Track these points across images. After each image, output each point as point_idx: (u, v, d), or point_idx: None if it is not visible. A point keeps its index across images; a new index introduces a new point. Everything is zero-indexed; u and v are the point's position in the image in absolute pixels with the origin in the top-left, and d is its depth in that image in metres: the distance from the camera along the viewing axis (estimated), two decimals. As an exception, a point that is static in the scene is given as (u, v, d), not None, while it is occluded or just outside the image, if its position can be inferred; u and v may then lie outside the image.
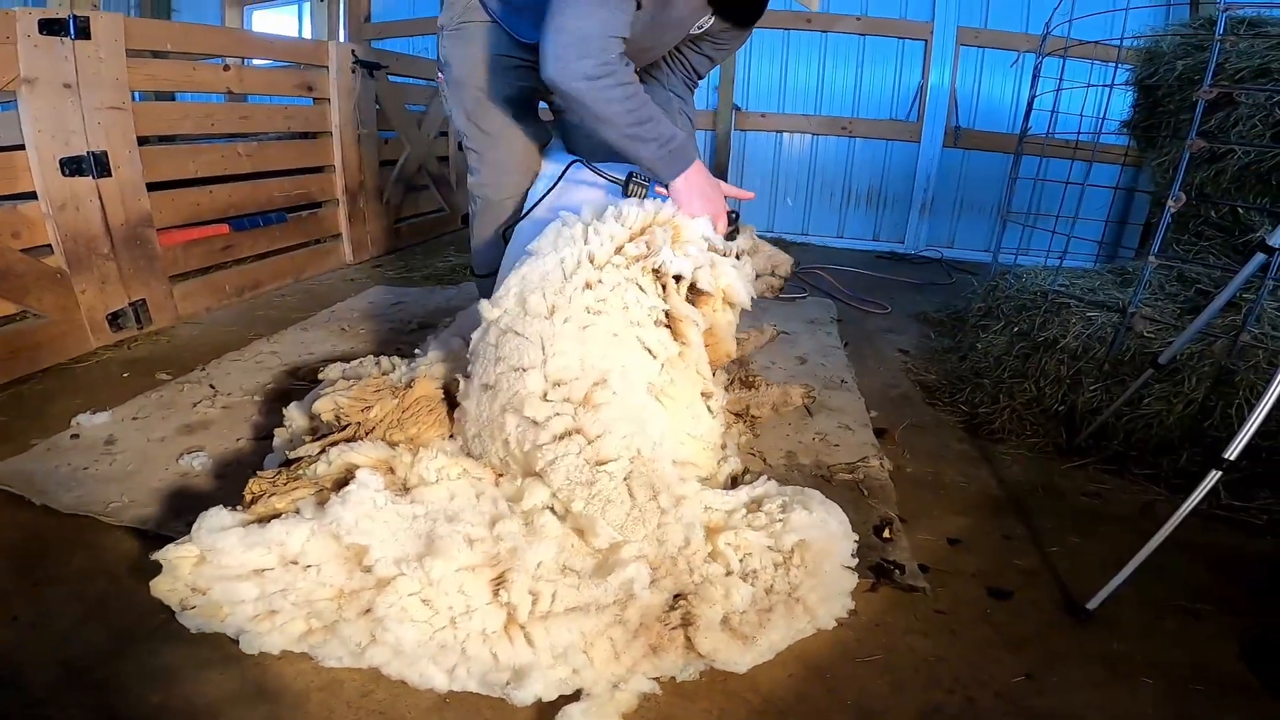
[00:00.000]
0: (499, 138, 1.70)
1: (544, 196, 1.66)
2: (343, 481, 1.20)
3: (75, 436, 1.66)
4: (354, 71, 3.36)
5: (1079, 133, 2.48)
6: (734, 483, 1.49)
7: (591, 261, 1.29)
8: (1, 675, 1.02)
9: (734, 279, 1.39)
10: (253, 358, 2.20)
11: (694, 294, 1.37)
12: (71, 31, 2.06)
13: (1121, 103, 2.81)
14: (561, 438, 1.19)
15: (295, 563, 1.08)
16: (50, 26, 2.01)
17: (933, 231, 4.73)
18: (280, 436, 1.54)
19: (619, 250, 1.32)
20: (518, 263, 1.37)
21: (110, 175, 2.23)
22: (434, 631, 1.03)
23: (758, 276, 1.72)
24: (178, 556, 1.08)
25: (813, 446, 1.80)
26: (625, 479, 1.17)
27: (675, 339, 1.34)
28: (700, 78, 1.86)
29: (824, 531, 1.21)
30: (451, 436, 1.39)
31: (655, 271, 1.32)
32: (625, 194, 1.51)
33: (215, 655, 1.06)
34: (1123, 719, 1.06)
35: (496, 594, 1.06)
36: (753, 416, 1.85)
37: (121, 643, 1.09)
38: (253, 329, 2.51)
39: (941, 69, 4.45)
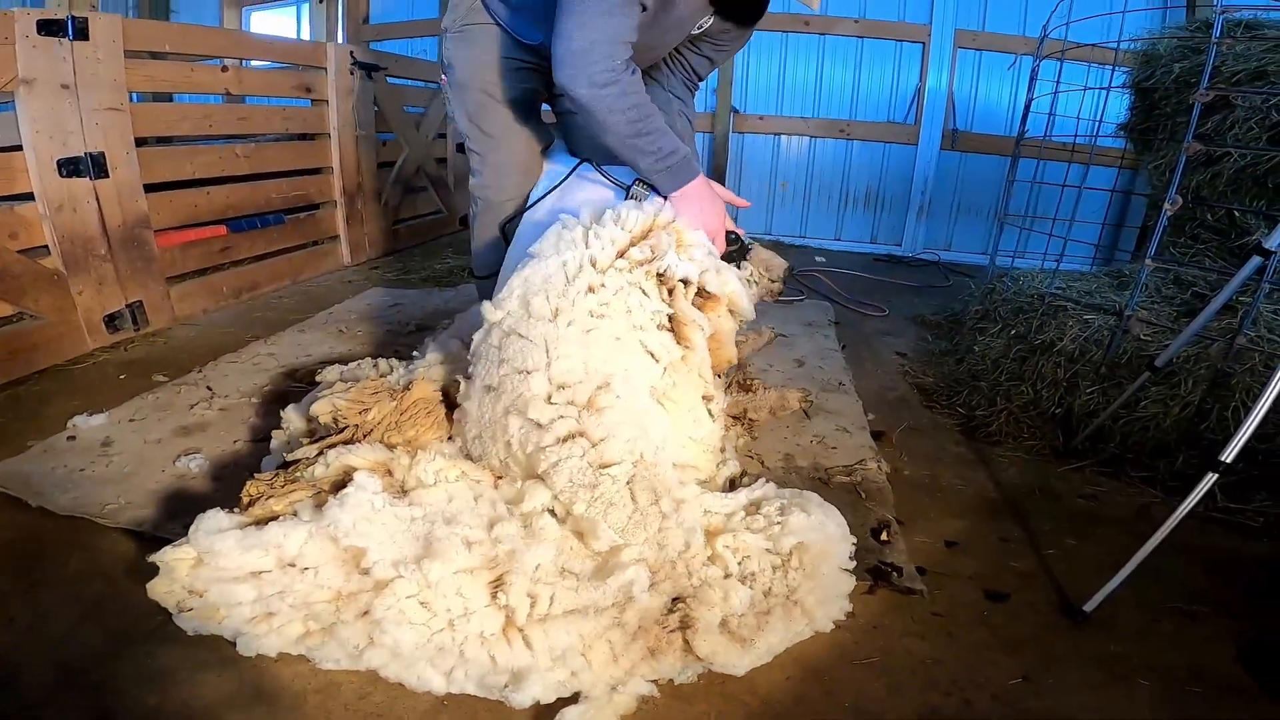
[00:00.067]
0: (501, 139, 1.70)
1: (545, 195, 1.66)
2: (340, 484, 1.20)
3: (72, 438, 1.65)
4: (352, 73, 3.36)
5: (1076, 135, 2.49)
6: (732, 485, 1.49)
7: (594, 265, 1.29)
8: (-2, 678, 1.02)
9: (738, 286, 1.40)
10: (250, 359, 2.20)
11: (700, 298, 1.37)
12: (70, 32, 2.06)
13: (1118, 105, 2.82)
14: (565, 440, 1.19)
15: (293, 565, 1.08)
16: (48, 27, 2.01)
17: (930, 234, 4.74)
18: (278, 439, 1.54)
19: (622, 254, 1.32)
20: (519, 265, 1.37)
21: (108, 176, 2.22)
22: (432, 634, 1.03)
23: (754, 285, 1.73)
24: (175, 559, 1.08)
25: (810, 449, 1.81)
26: (628, 482, 1.17)
27: (678, 342, 1.34)
28: (700, 80, 1.86)
29: (822, 534, 1.21)
30: (450, 439, 1.39)
31: (659, 276, 1.32)
32: (627, 198, 1.51)
33: (212, 657, 1.06)
34: (1120, 721, 1.06)
35: (495, 596, 1.06)
36: (750, 419, 1.86)
37: (118, 645, 1.08)
38: (250, 331, 2.50)
39: (939, 71, 4.45)
